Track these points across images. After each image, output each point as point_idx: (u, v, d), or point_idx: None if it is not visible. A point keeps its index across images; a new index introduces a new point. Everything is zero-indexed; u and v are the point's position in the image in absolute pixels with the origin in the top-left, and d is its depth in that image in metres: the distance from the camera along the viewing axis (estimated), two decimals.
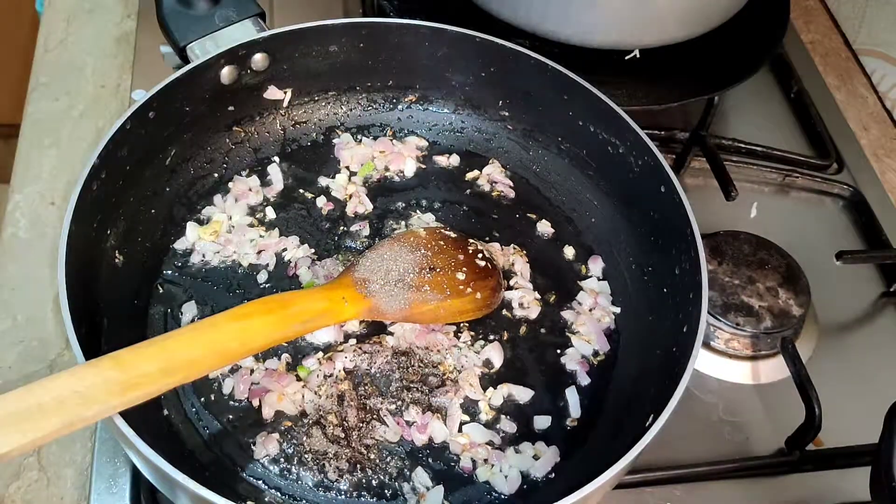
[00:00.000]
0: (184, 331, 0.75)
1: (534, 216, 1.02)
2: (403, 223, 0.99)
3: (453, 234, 0.93)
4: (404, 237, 0.91)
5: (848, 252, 1.04)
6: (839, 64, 1.34)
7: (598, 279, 0.97)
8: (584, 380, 0.90)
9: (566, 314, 0.94)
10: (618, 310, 0.95)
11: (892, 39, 1.29)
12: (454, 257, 0.90)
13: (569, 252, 0.99)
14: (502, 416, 0.86)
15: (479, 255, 0.92)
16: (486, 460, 0.83)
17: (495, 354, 0.90)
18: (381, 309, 0.86)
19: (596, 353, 0.92)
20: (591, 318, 0.94)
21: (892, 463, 0.73)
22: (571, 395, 0.88)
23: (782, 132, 1.23)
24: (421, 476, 0.82)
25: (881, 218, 1.13)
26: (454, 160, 1.06)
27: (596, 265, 0.98)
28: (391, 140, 1.06)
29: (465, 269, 0.90)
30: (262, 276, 0.94)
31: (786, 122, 1.25)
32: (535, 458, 0.84)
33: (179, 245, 0.94)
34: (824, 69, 1.32)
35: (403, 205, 1.02)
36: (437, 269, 0.88)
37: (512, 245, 0.99)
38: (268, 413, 0.84)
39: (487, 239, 0.99)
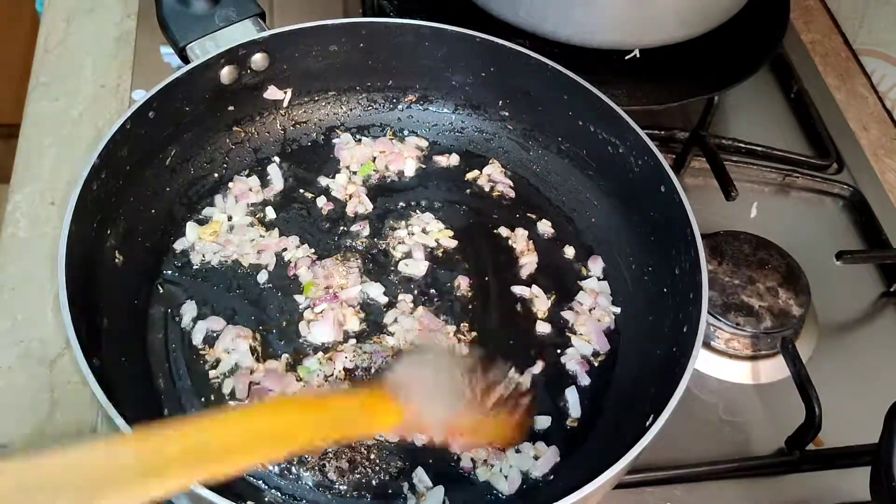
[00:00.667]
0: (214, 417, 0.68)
1: (534, 216, 1.02)
2: (403, 223, 1.00)
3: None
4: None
5: (848, 252, 1.04)
6: (839, 64, 1.34)
7: (598, 279, 0.97)
8: (584, 380, 0.90)
9: (566, 314, 0.94)
10: (618, 310, 0.95)
11: (892, 39, 1.29)
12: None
13: (569, 252, 0.99)
14: None
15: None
16: (485, 461, 0.83)
17: None
18: (419, 422, 0.75)
19: (596, 354, 0.92)
20: (591, 318, 0.94)
21: (892, 463, 0.73)
22: (571, 395, 0.88)
23: (782, 132, 1.23)
24: (421, 476, 0.82)
25: (881, 218, 1.12)
26: (454, 160, 1.06)
27: (596, 265, 0.98)
28: (391, 140, 1.06)
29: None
30: (262, 276, 0.94)
31: (786, 122, 1.24)
32: (535, 458, 0.84)
33: (179, 245, 0.94)
34: (824, 69, 1.32)
35: (403, 205, 1.02)
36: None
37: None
38: None
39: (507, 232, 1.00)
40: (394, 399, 0.73)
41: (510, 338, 0.92)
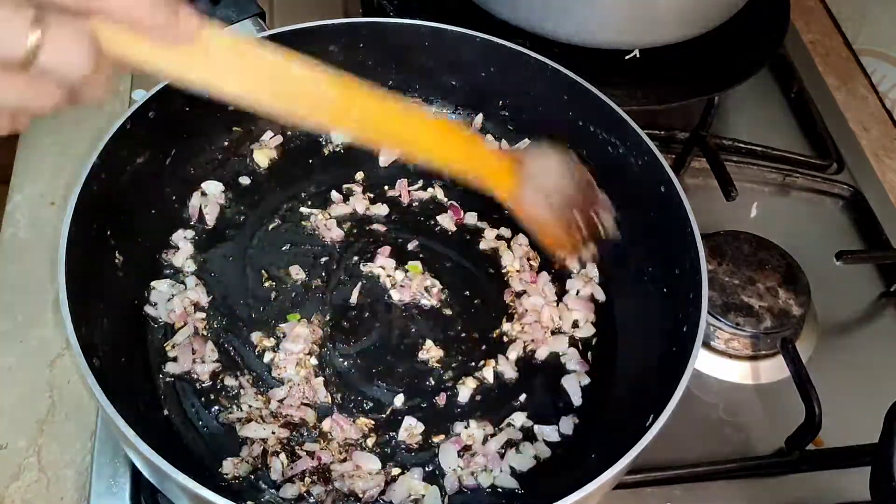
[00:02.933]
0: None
1: None
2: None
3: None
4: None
5: (848, 252, 1.04)
6: (839, 64, 1.34)
7: (598, 279, 0.97)
8: (585, 379, 0.90)
9: (563, 310, 0.94)
10: (618, 310, 0.95)
11: (892, 39, 1.29)
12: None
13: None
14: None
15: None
16: (486, 467, 0.83)
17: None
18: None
19: (595, 353, 0.92)
20: (590, 315, 0.94)
21: (892, 463, 0.73)
22: (571, 394, 0.88)
23: (782, 132, 1.23)
24: (419, 477, 0.82)
25: (881, 218, 1.12)
26: None
27: (595, 265, 0.98)
28: None
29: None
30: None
31: (786, 122, 1.24)
32: (536, 458, 0.84)
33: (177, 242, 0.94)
34: (824, 69, 1.32)
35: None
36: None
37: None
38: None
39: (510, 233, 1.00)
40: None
41: (508, 336, 0.92)
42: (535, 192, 0.81)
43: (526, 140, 1.04)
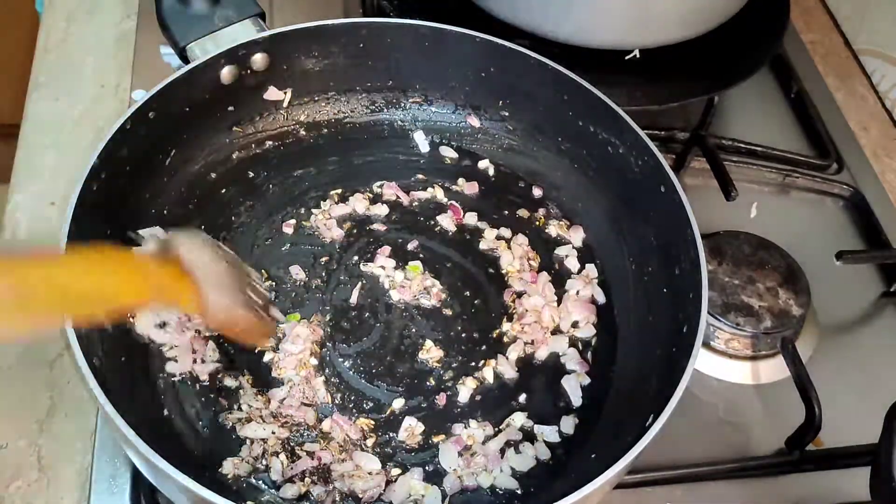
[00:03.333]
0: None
1: (533, 215, 1.02)
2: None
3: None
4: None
5: (848, 252, 1.04)
6: (839, 64, 1.34)
7: (597, 279, 0.97)
8: (584, 379, 0.90)
9: (562, 311, 0.94)
10: (617, 309, 0.95)
11: (892, 39, 1.29)
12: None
13: (568, 252, 0.99)
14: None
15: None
16: (486, 467, 0.83)
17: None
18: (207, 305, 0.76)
19: (595, 353, 0.92)
20: (591, 317, 0.94)
21: (892, 463, 0.73)
22: (571, 394, 0.88)
23: (782, 132, 1.23)
24: (420, 477, 0.82)
25: (881, 218, 1.12)
26: (454, 160, 1.06)
27: (595, 265, 0.98)
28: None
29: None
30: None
31: (786, 122, 1.24)
32: (536, 458, 0.84)
33: None
34: (824, 69, 1.32)
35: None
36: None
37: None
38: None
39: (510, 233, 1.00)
40: (190, 278, 0.75)
41: (508, 336, 0.92)
42: (212, 287, 0.76)
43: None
